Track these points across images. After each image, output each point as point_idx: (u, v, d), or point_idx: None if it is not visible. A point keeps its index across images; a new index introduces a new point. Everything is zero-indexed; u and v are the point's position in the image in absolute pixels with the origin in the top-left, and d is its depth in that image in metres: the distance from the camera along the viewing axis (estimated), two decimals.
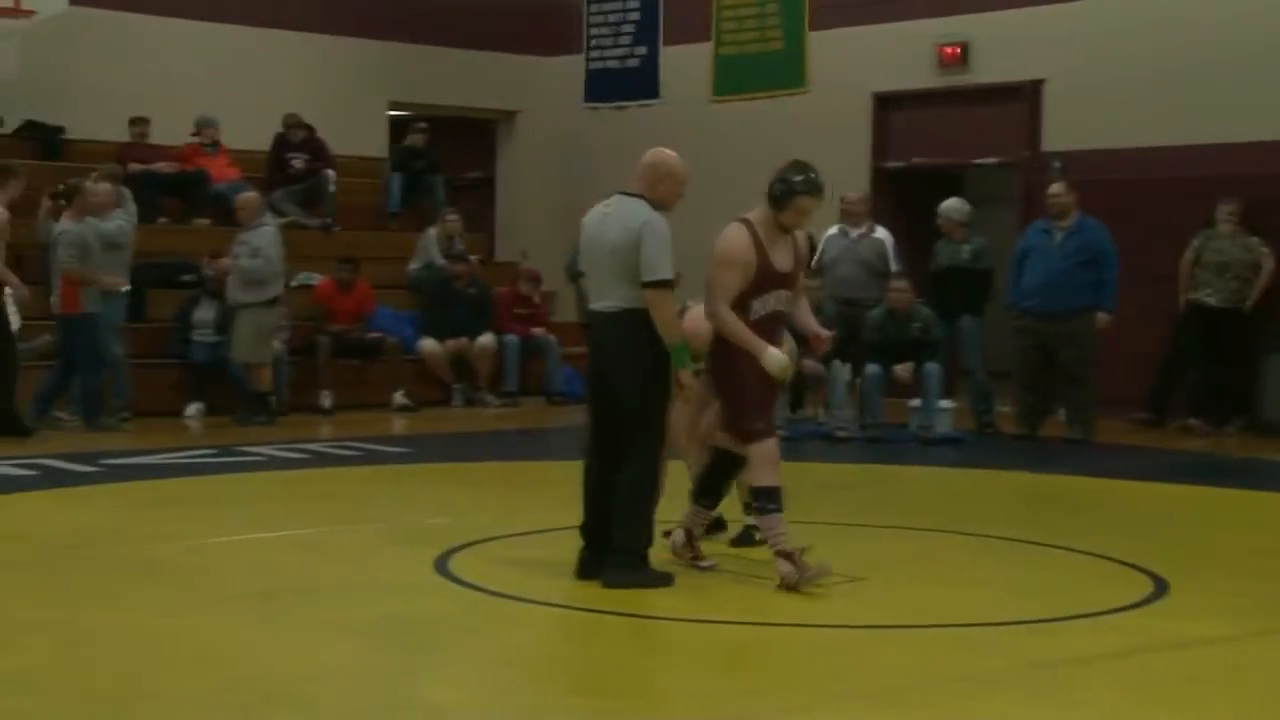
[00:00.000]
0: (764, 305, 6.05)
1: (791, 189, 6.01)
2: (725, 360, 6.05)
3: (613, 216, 5.97)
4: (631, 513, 5.90)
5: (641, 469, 5.92)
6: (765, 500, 6.03)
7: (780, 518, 5.98)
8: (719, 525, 6.85)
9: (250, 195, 12.15)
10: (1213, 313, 11.47)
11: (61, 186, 11.57)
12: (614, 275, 5.90)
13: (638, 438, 5.91)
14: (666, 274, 5.84)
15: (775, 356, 5.94)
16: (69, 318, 10.83)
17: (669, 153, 6.13)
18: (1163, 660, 4.97)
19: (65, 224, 11.06)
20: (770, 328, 6.07)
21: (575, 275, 12.17)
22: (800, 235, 6.28)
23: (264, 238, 11.78)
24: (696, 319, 6.21)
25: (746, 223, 6.13)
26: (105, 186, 11.26)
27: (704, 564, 6.34)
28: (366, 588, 6.00)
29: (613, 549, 5.91)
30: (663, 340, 5.85)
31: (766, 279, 6.02)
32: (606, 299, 5.97)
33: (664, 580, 5.95)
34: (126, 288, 11.40)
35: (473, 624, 5.45)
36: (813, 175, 6.10)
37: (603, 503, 5.96)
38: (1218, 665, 4.91)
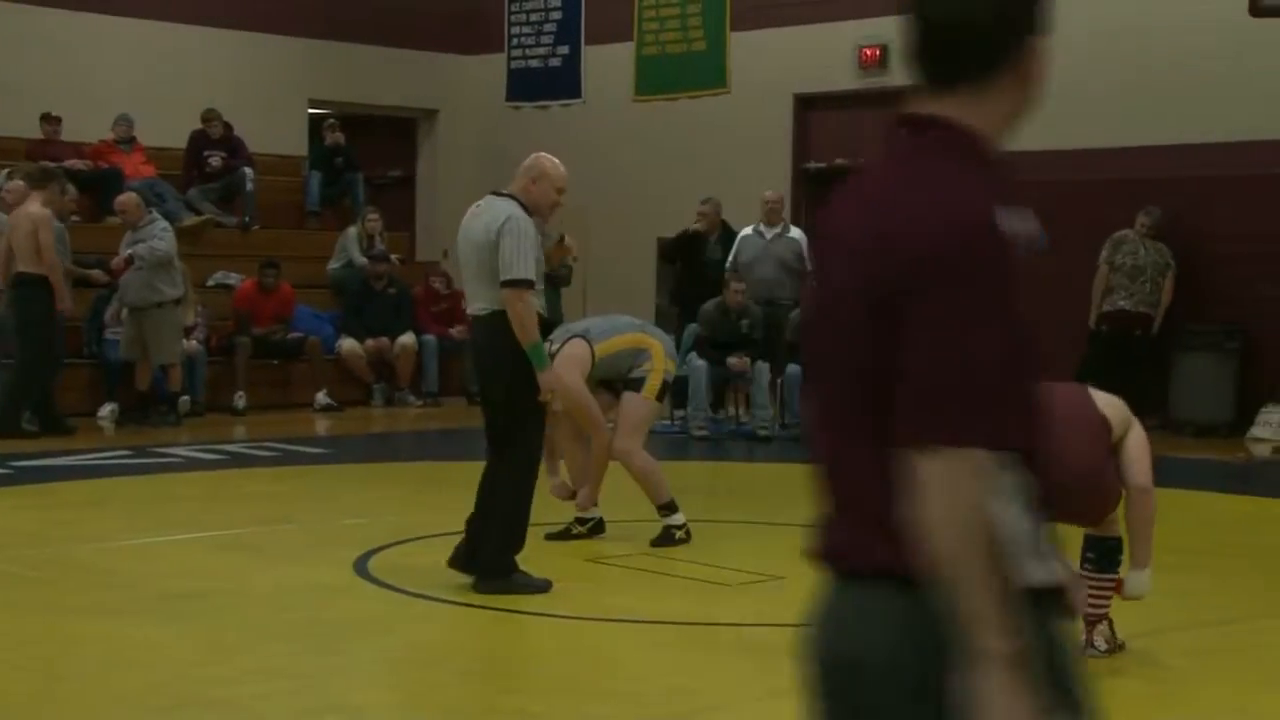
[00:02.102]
0: None
1: None
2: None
3: (480, 216, 5.84)
4: (500, 518, 5.77)
5: (512, 474, 5.79)
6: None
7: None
8: (599, 528, 7.05)
9: (130, 196, 11.85)
10: (1127, 316, 11.65)
11: None
12: (480, 276, 5.78)
13: (514, 439, 5.79)
14: (523, 274, 5.68)
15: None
16: None
17: (549, 157, 6.06)
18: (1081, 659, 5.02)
19: None
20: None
21: None
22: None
23: (161, 236, 11.53)
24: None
25: None
26: (18, 184, 11.04)
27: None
28: (286, 589, 5.93)
29: (480, 553, 5.80)
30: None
31: None
32: (478, 301, 5.85)
33: (538, 587, 5.80)
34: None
35: (393, 625, 5.41)
36: None
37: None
38: (1135, 661, 4.98)
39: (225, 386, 12.42)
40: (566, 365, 6.53)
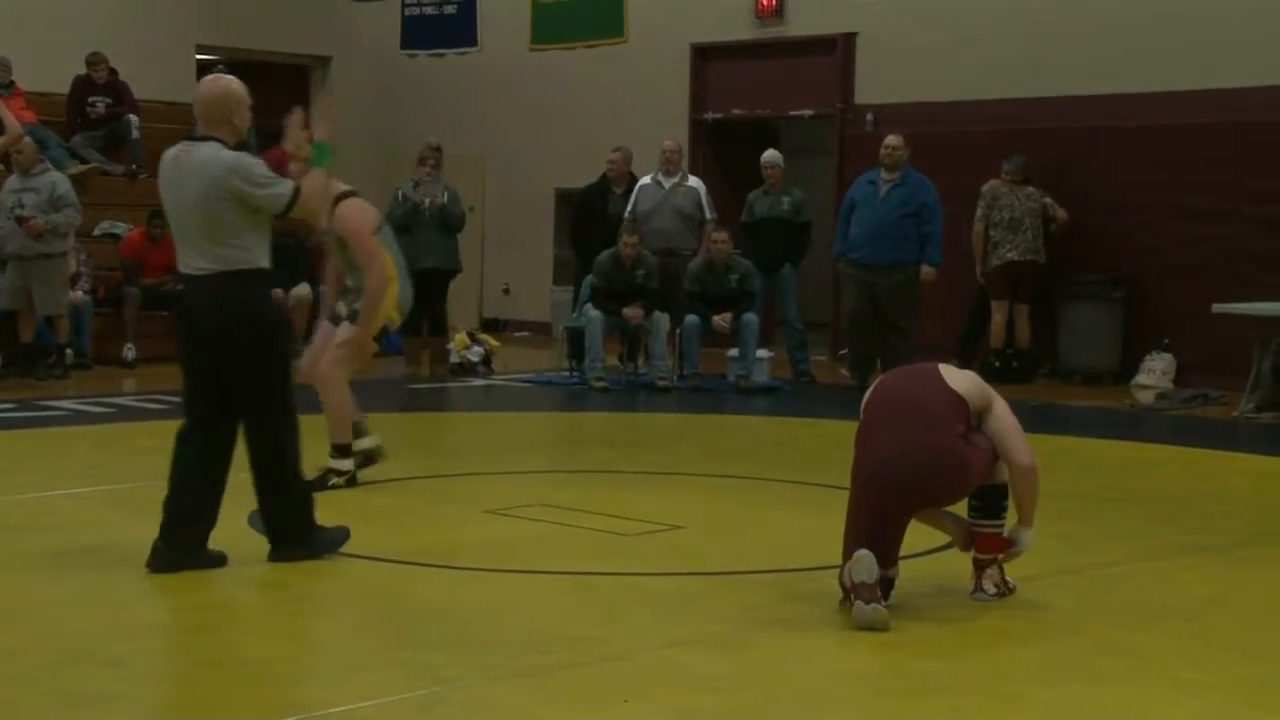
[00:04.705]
0: None
1: None
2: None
3: (188, 170, 5.32)
4: (288, 487, 5.47)
5: (281, 442, 5.44)
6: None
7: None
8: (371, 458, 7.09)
9: (29, 141, 11.53)
10: (1016, 266, 11.83)
11: None
12: (202, 234, 5.28)
13: (270, 407, 5.39)
14: (288, 186, 5.31)
15: None
16: None
17: (224, 78, 5.54)
18: (972, 601, 5.12)
19: None
20: None
21: (399, 228, 12.00)
22: None
23: (60, 185, 11.26)
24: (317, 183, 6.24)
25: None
26: None
27: None
28: None
29: (280, 527, 5.47)
30: (269, 308, 5.44)
31: None
32: (198, 260, 5.31)
33: (341, 536, 5.60)
34: None
35: (287, 578, 5.36)
36: None
37: (197, 485, 5.38)
38: (1018, 604, 5.09)
39: (114, 338, 12.18)
40: (360, 207, 6.76)
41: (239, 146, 5.38)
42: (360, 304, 6.91)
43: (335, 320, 7.12)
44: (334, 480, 6.92)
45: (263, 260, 5.37)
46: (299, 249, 13.32)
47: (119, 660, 4.36)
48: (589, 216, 12.15)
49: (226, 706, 4.02)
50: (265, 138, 15.76)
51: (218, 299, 5.31)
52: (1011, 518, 5.10)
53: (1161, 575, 5.65)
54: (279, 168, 5.51)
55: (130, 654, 4.43)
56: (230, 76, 5.57)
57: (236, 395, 5.39)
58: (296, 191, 5.34)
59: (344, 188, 6.86)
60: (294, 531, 5.52)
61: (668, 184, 11.84)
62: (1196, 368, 11.26)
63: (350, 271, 7.02)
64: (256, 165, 5.33)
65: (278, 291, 5.92)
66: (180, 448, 5.45)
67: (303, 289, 13.05)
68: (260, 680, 4.23)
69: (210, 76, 5.60)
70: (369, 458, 7.11)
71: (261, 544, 5.82)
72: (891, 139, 11.27)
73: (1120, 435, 9.44)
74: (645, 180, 11.90)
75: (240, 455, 5.48)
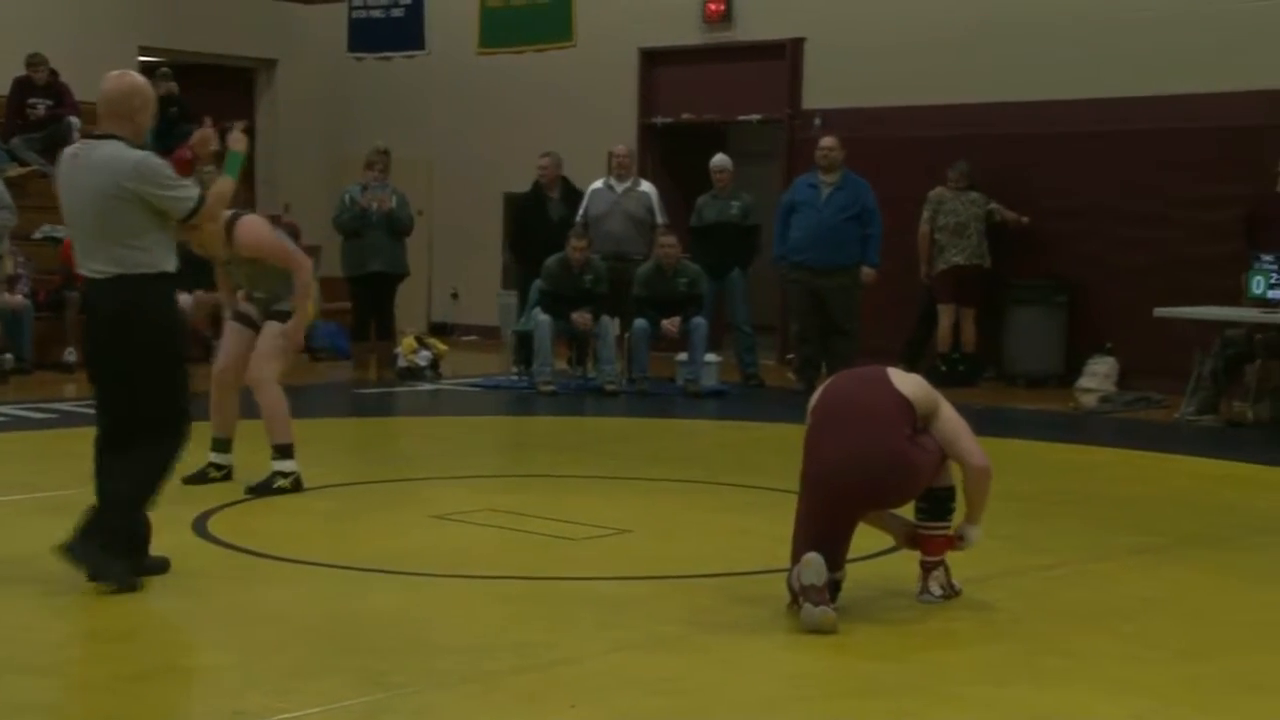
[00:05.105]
0: None
1: None
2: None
3: (88, 168, 5.11)
4: (132, 504, 5.17)
5: (155, 455, 5.18)
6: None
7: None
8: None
9: None
10: (962, 270, 11.92)
11: None
12: (101, 234, 5.09)
13: (160, 415, 5.18)
14: (194, 192, 5.17)
15: None
16: None
17: (130, 74, 5.32)
18: (918, 603, 5.15)
19: None
20: None
21: (346, 232, 11.96)
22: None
23: (6, 204, 11.12)
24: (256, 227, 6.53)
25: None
26: None
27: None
28: None
29: (101, 529, 5.12)
30: (170, 313, 5.22)
31: None
32: (96, 262, 5.11)
33: (133, 580, 5.12)
34: None
35: (232, 585, 5.32)
36: None
37: (102, 490, 5.20)
38: (963, 606, 5.12)
39: (55, 342, 12.05)
40: (255, 221, 6.85)
41: (139, 148, 5.20)
42: (283, 305, 6.93)
43: (245, 321, 7.09)
44: (279, 483, 6.89)
45: (165, 263, 5.16)
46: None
47: (55, 669, 4.30)
48: (527, 223, 12.17)
49: (169, 715, 3.99)
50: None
51: (116, 302, 5.10)
52: (958, 520, 5.14)
53: (1104, 576, 5.71)
54: (181, 171, 5.38)
55: (67, 662, 4.38)
56: (136, 74, 5.37)
57: (131, 401, 5.17)
58: (202, 199, 5.19)
59: (229, 211, 6.86)
60: (106, 539, 5.10)
61: (620, 188, 11.85)
62: (1139, 371, 11.38)
63: (259, 283, 7.00)
64: (163, 167, 5.15)
65: (184, 296, 5.75)
66: (101, 457, 5.25)
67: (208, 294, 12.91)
68: (204, 688, 4.19)
69: (116, 72, 5.32)
70: (203, 476, 7.02)
71: (206, 552, 5.78)
72: (826, 140, 11.35)
73: (1063, 438, 9.52)
74: (597, 184, 11.92)
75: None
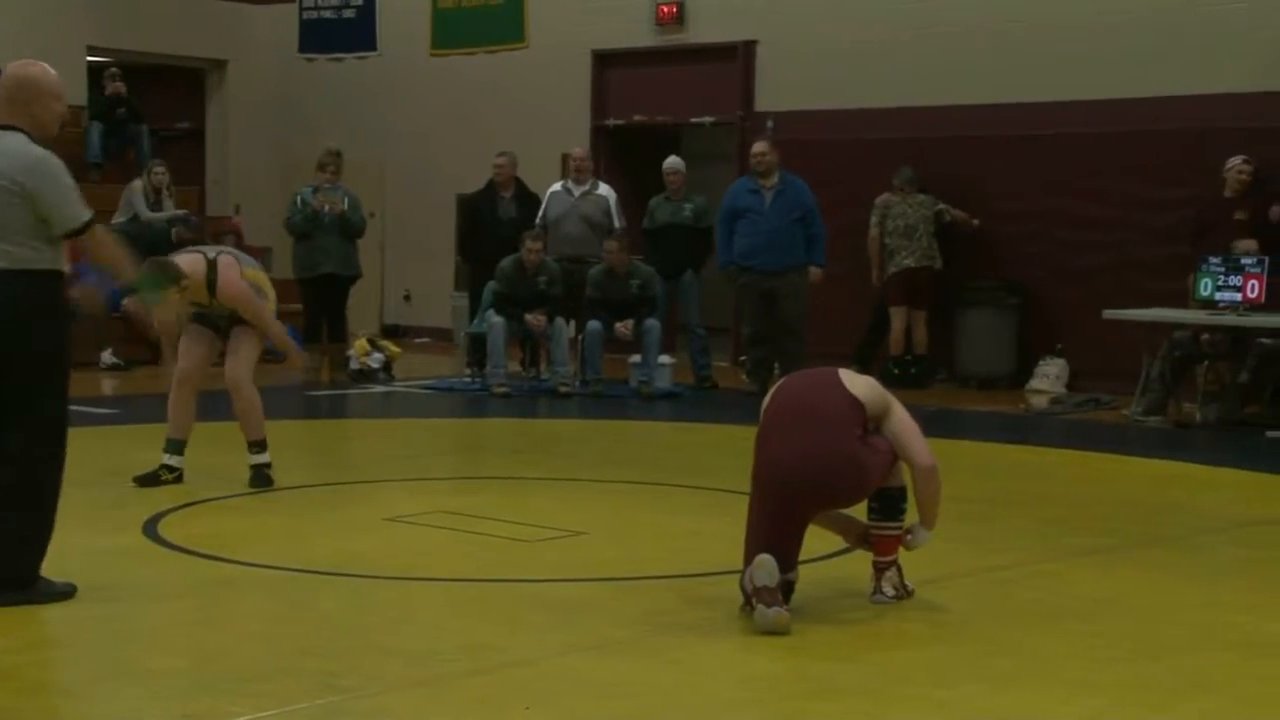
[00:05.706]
0: None
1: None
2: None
3: None
4: (26, 522, 4.90)
5: (39, 471, 4.93)
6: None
7: None
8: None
9: None
10: (913, 273, 11.98)
11: None
12: None
13: (42, 428, 4.93)
14: (85, 214, 4.93)
15: None
16: None
17: (34, 64, 4.99)
18: (871, 604, 5.17)
19: None
20: None
21: (298, 234, 11.88)
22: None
23: None
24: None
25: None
26: None
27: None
28: (73, 553, 5.70)
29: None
30: (57, 313, 4.97)
31: None
32: None
33: (63, 593, 4.98)
34: None
35: (184, 588, 5.28)
36: None
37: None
38: (916, 606, 5.15)
39: None
40: (231, 265, 6.90)
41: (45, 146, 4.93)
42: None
43: (207, 323, 7.09)
44: (268, 471, 7.16)
45: (56, 262, 4.92)
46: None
47: (7, 674, 4.25)
48: (478, 222, 12.14)
49: (121, 719, 3.95)
50: (163, 140, 15.65)
51: (2, 299, 4.83)
52: (910, 520, 5.16)
53: (1055, 577, 5.74)
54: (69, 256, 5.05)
55: (19, 666, 4.33)
56: (44, 65, 5.01)
57: (10, 402, 4.87)
58: (90, 224, 4.92)
59: (210, 254, 6.92)
60: (12, 572, 4.86)
61: (577, 191, 11.85)
62: (1089, 373, 11.49)
63: (223, 309, 7.07)
64: (62, 172, 4.91)
65: (76, 291, 5.54)
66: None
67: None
68: (156, 692, 4.16)
69: (20, 60, 5.01)
70: (155, 478, 7.05)
71: (157, 555, 5.73)
72: (758, 145, 11.38)
73: (1015, 439, 9.59)
74: (556, 187, 11.94)
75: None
